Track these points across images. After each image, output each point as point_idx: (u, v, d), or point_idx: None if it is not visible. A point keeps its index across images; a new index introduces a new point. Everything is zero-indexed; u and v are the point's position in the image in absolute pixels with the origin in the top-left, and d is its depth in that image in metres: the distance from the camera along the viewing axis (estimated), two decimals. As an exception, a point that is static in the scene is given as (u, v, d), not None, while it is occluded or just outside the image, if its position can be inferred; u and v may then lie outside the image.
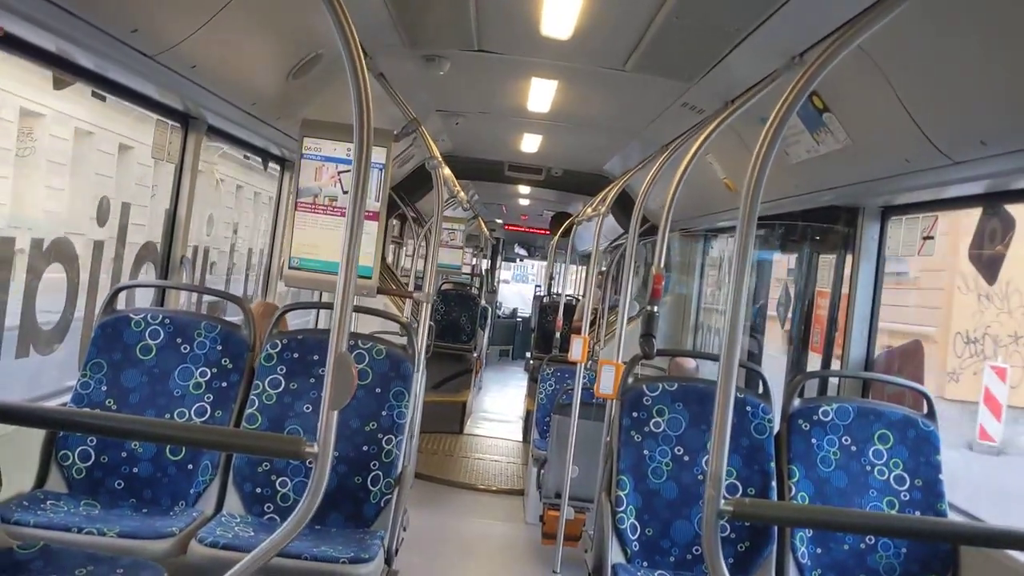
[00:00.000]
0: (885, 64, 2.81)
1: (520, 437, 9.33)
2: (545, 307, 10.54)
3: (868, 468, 3.32)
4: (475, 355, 10.32)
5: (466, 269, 11.85)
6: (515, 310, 18.01)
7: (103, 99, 3.82)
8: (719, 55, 3.63)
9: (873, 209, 4.14)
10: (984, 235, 3.53)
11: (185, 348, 3.41)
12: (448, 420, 8.99)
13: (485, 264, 14.10)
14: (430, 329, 4.70)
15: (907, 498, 3.27)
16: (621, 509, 3.31)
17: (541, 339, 10.29)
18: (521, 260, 20.62)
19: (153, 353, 3.40)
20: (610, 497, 3.37)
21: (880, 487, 3.30)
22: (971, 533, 2.35)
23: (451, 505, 6.62)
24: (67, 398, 3.34)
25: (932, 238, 3.77)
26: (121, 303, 3.61)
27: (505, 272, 20.81)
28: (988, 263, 3.63)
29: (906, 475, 3.30)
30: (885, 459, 3.33)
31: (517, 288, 20.75)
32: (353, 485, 3.32)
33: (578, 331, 6.84)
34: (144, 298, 4.25)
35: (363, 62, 1.81)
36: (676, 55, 3.83)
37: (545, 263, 19.18)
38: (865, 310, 4.17)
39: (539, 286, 18.88)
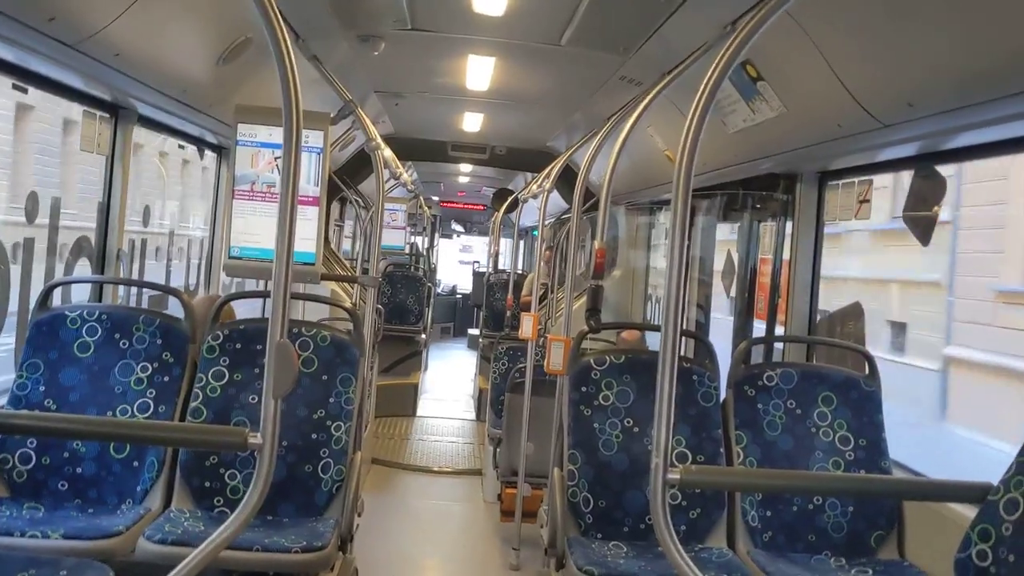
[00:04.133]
0: (814, 31, 2.84)
1: (472, 416, 9.35)
2: (492, 285, 10.52)
3: (813, 430, 3.38)
4: (424, 336, 10.29)
5: (407, 249, 11.75)
6: (454, 287, 18.02)
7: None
8: (653, 26, 3.64)
9: (811, 175, 4.20)
10: (917, 197, 3.59)
11: (124, 343, 3.34)
12: (401, 403, 8.97)
13: (422, 242, 14.01)
14: (379, 312, 4.67)
15: (852, 457, 3.34)
16: (573, 483, 3.33)
17: (490, 317, 10.27)
18: (458, 236, 20.59)
19: (91, 350, 3.32)
20: (562, 472, 3.39)
21: (825, 448, 3.36)
22: (914, 488, 2.42)
23: (408, 488, 6.62)
24: (2, 401, 3.26)
25: (868, 202, 3.83)
26: (56, 300, 3.52)
27: (464, 254, 20.66)
28: (922, 224, 3.69)
29: (850, 435, 3.37)
30: (829, 421, 3.39)
31: (455, 264, 20.59)
32: (303, 473, 3.29)
33: (527, 308, 6.86)
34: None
35: (289, 44, 1.77)
36: (610, 28, 3.83)
37: (482, 238, 19.19)
38: (806, 275, 4.23)
39: (477, 262, 18.87)
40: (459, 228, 20.23)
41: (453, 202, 16.85)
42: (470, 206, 16.83)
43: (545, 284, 8.00)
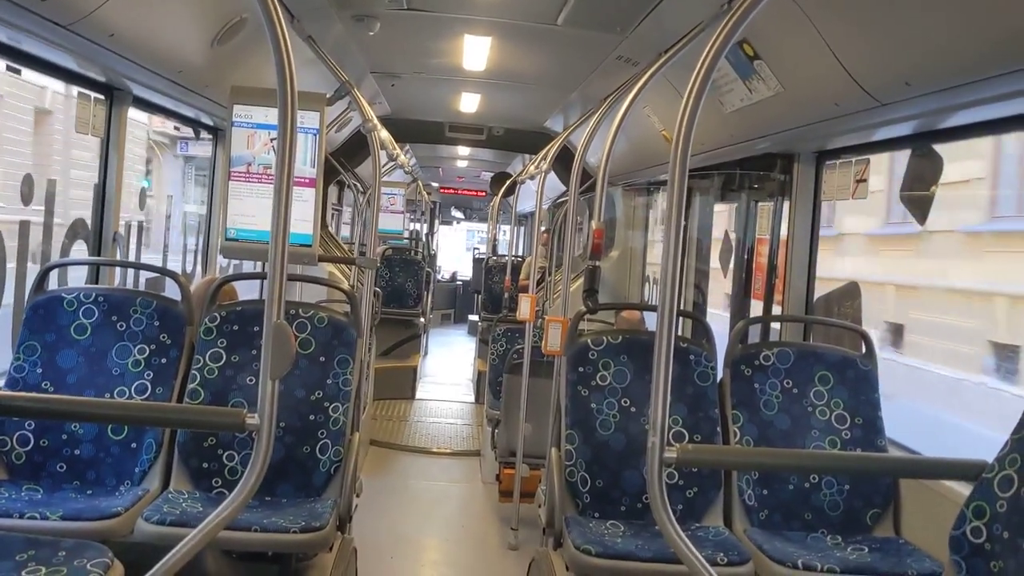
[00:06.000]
0: (811, 10, 2.82)
1: (471, 399, 9.37)
2: (490, 268, 10.56)
3: (810, 409, 3.39)
4: (423, 320, 10.31)
5: (405, 235, 11.77)
6: (455, 273, 18.10)
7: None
8: (650, 5, 3.62)
9: (808, 155, 4.19)
10: (914, 176, 3.59)
11: (121, 326, 3.34)
12: (400, 386, 9.00)
13: (423, 228, 14.04)
14: (376, 295, 4.67)
15: (848, 436, 3.35)
16: (571, 463, 3.34)
17: (489, 300, 10.31)
18: (458, 223, 20.61)
19: (88, 332, 3.32)
20: (560, 452, 3.40)
21: (822, 427, 3.37)
22: (909, 466, 2.43)
23: (407, 469, 6.64)
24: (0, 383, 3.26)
25: (865, 181, 3.82)
26: (53, 283, 3.52)
27: (482, 245, 20.58)
28: (919, 203, 3.69)
29: (846, 414, 3.38)
30: (826, 400, 3.40)
31: (463, 252, 20.67)
32: (301, 455, 3.30)
33: (525, 290, 6.87)
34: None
35: (283, 23, 1.76)
36: (606, 7, 3.81)
37: (482, 225, 19.24)
38: (803, 254, 4.22)
39: (476, 248, 18.94)
40: (459, 214, 20.23)
41: (452, 188, 16.87)
42: (469, 192, 16.85)
43: (543, 267, 8.00)
